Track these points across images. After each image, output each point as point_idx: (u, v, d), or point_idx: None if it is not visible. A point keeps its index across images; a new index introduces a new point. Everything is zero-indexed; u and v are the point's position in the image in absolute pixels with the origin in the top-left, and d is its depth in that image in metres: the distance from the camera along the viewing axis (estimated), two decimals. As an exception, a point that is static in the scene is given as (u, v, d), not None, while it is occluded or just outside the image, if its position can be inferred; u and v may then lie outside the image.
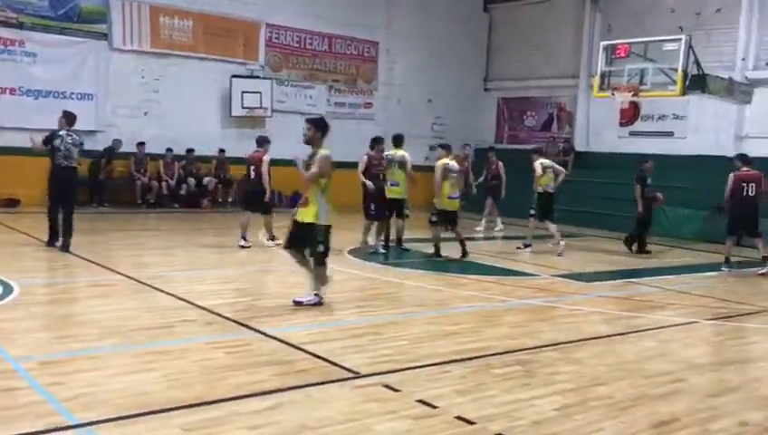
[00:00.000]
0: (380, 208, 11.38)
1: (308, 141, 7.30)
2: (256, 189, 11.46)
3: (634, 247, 13.23)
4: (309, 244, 7.17)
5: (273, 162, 18.72)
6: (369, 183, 11.25)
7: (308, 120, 7.42)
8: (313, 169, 7.08)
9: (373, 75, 21.01)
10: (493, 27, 23.25)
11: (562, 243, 12.35)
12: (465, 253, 11.24)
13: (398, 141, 11.70)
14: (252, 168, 11.63)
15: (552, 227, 12.72)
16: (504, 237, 14.99)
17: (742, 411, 4.83)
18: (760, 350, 6.67)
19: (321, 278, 7.27)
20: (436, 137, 20.27)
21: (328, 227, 7.17)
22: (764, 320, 7.98)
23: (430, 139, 20.03)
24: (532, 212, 12.94)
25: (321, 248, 7.12)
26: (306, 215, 7.11)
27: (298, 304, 7.15)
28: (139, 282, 8.10)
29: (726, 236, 11.84)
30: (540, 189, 12.65)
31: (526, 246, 12.99)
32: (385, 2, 20.79)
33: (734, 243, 11.85)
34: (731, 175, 11.64)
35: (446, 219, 11.15)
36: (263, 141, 11.88)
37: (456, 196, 11.22)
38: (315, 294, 7.21)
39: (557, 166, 13.25)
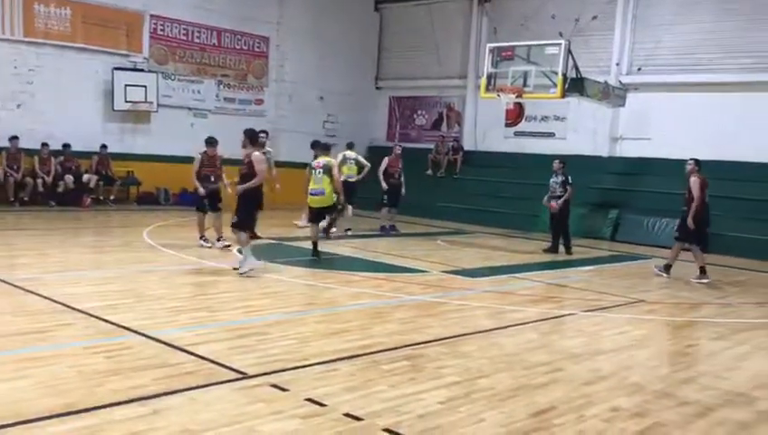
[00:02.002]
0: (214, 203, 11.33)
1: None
2: (218, 188, 11.31)
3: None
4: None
5: (162, 158, 18.15)
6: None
7: None
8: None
9: (264, 71, 20.74)
10: (383, 27, 23.51)
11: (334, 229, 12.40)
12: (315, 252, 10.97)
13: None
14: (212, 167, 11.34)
15: (348, 211, 13.94)
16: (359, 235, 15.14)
17: (613, 398, 5.10)
18: (631, 339, 7.08)
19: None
20: (329, 135, 20.31)
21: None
22: (636, 311, 8.48)
23: (322, 136, 19.97)
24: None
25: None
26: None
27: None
28: (11, 285, 7.62)
29: (693, 244, 10.96)
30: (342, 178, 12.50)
31: (347, 230, 14.12)
32: (277, -3, 20.59)
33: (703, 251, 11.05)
34: (695, 179, 10.75)
35: (319, 217, 11.03)
36: (215, 141, 11.42)
37: (316, 192, 10.77)
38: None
39: (361, 159, 14.90)
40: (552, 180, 13.32)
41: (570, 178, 13.18)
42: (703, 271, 10.83)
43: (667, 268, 11.11)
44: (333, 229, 11.91)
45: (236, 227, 9.25)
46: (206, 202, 11.25)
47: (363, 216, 15.78)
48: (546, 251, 13.35)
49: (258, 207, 10.14)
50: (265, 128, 14.49)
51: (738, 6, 16.64)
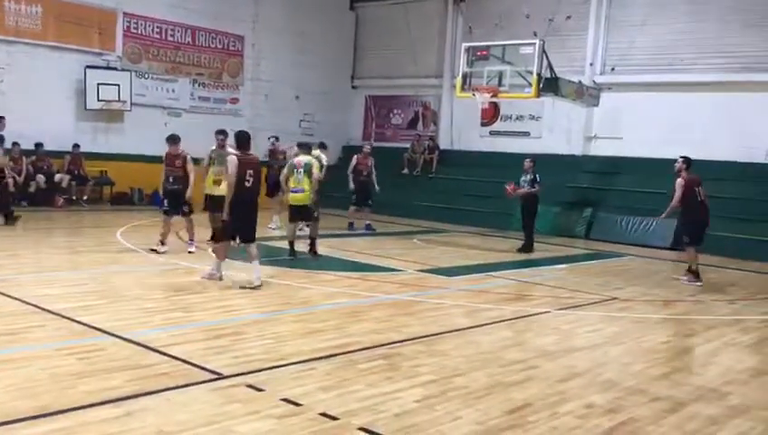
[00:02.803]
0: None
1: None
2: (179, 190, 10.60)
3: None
4: None
5: (135, 158, 17.91)
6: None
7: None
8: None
9: (239, 70, 20.62)
10: (359, 26, 23.49)
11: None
12: (313, 252, 11.06)
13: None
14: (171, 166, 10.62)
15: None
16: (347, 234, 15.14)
17: (587, 395, 5.16)
18: (604, 336, 7.16)
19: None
20: (305, 134, 20.23)
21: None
22: (609, 308, 8.58)
23: (299, 135, 19.90)
24: None
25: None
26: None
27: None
28: (-19, 286, 7.51)
29: (686, 245, 10.93)
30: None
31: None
32: (252, -4, 20.48)
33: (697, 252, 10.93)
34: (680, 180, 10.65)
35: (298, 214, 10.94)
36: (175, 138, 10.76)
37: (296, 190, 10.71)
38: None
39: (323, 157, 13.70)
40: (521, 179, 13.44)
41: (538, 176, 13.25)
42: (693, 272, 10.77)
43: (696, 275, 10.78)
44: (317, 250, 11.26)
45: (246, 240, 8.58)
46: (166, 204, 10.66)
47: (334, 214, 15.75)
48: (520, 250, 13.41)
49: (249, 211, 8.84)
50: (242, 126, 14.39)
51: (711, 7, 16.89)
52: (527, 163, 13.39)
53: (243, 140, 8.60)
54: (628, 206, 16.20)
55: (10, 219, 12.83)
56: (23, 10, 16.25)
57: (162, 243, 10.54)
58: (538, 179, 13.24)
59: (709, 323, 8.06)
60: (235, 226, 8.48)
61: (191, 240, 10.92)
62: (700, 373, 5.97)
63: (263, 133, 19.60)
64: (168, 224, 10.68)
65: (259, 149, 17.56)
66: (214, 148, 10.92)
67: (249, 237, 8.55)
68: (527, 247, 13.40)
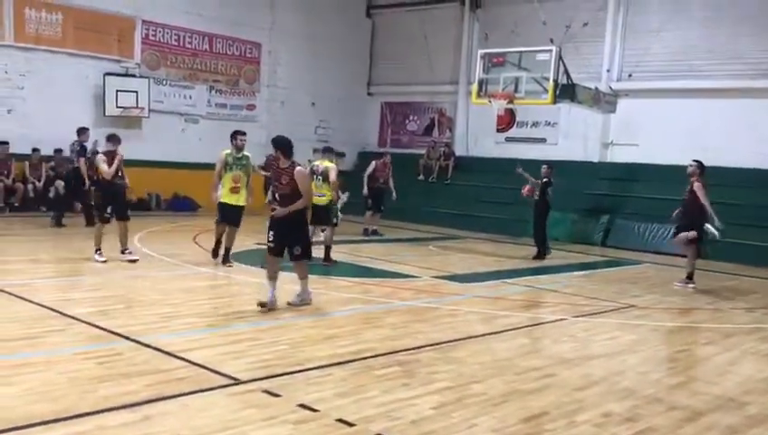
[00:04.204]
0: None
1: None
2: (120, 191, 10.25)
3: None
4: None
5: (153, 164, 18.06)
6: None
7: None
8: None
9: (256, 77, 20.72)
10: (375, 33, 23.55)
11: None
12: (328, 260, 10.87)
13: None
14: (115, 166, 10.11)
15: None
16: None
17: (605, 403, 5.13)
18: (622, 344, 7.11)
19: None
20: (320, 140, 20.25)
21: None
22: (626, 316, 8.52)
23: (314, 142, 19.95)
24: None
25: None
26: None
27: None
28: (2, 290, 7.58)
29: (689, 249, 10.86)
30: None
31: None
32: (269, 3, 20.58)
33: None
34: (699, 184, 10.51)
35: (317, 217, 10.43)
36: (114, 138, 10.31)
37: (318, 195, 10.39)
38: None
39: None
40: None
41: (551, 180, 13.13)
42: (690, 277, 10.81)
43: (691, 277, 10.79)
44: (331, 258, 10.98)
45: (303, 257, 7.76)
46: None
47: (350, 220, 15.76)
48: (535, 258, 13.34)
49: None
50: (258, 133, 14.52)
51: (727, 13, 16.78)
52: (545, 170, 13.33)
53: (290, 147, 7.67)
54: (645, 213, 16.07)
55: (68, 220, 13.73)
56: (43, 18, 16.44)
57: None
58: (550, 183, 13.08)
59: (728, 331, 7.98)
60: (306, 242, 7.84)
61: (126, 249, 10.15)
62: (718, 383, 5.91)
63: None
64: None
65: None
66: (229, 151, 10.04)
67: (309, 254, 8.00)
68: (540, 255, 13.32)
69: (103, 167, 9.98)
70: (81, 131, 14.12)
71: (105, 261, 9.77)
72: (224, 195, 9.99)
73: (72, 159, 14.41)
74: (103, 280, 8.89)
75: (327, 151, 11.29)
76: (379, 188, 15.60)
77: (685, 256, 11.11)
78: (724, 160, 15.84)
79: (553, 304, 9.17)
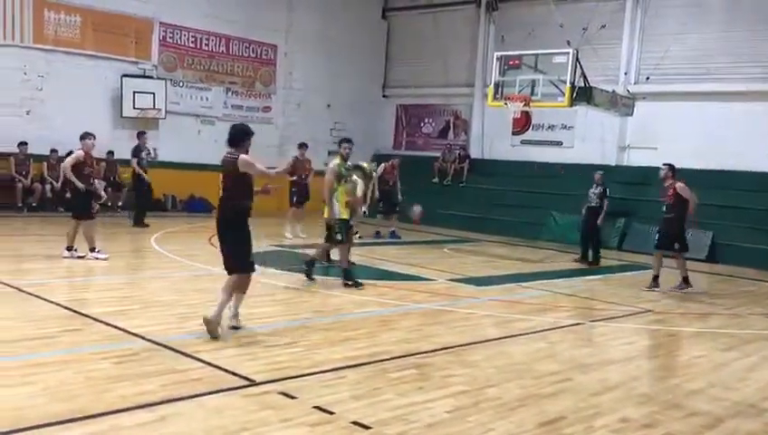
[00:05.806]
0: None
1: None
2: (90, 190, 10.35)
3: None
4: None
5: (169, 165, 18.16)
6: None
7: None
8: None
9: (272, 79, 20.79)
10: (391, 35, 23.55)
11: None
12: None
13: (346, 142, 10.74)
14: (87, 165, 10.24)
15: None
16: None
17: (622, 408, 5.07)
18: (638, 349, 7.05)
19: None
20: (336, 142, 20.29)
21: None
22: (643, 321, 8.45)
23: (330, 144, 20.02)
24: None
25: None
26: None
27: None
28: (19, 290, 7.64)
29: (680, 253, 10.82)
30: None
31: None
32: (285, 6, 20.65)
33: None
34: (681, 184, 10.62)
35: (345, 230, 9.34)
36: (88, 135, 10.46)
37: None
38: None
39: None
40: (591, 191, 13.19)
41: (608, 190, 13.08)
42: (686, 280, 10.68)
43: (687, 280, 10.73)
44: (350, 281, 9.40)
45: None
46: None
47: (361, 222, 15.75)
48: (576, 261, 13.35)
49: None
50: (274, 135, 14.52)
51: (746, 16, 16.61)
52: (597, 175, 13.22)
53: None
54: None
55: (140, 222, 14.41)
56: (62, 20, 16.59)
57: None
58: (608, 193, 13.04)
59: (747, 337, 7.88)
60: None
61: (95, 247, 10.10)
62: (737, 388, 5.83)
63: (294, 141, 19.74)
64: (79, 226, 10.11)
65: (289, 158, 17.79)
66: (338, 161, 9.24)
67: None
68: (596, 260, 13.25)
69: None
70: (140, 135, 15.07)
71: (107, 258, 9.98)
72: (340, 210, 9.17)
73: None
74: (119, 280, 8.93)
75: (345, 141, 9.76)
76: (387, 191, 15.75)
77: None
78: (743, 165, 15.70)
79: (569, 308, 9.11)
